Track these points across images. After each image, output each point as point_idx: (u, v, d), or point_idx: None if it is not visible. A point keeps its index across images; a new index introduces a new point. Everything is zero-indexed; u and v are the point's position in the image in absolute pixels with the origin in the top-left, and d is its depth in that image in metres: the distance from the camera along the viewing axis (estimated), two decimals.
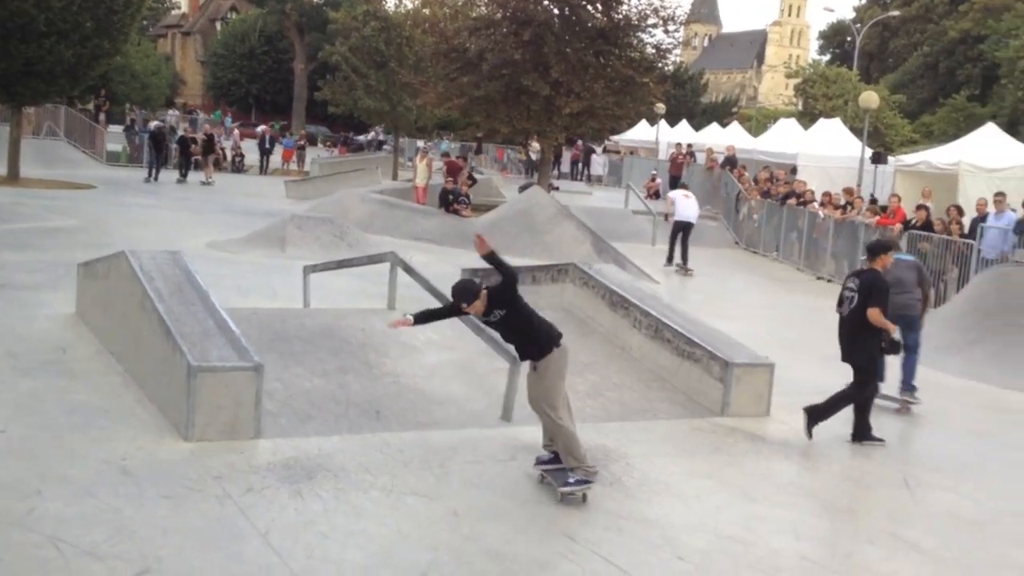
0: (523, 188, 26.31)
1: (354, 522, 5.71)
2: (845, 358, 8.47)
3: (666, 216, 20.35)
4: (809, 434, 8.19)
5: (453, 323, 9.10)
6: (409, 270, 10.02)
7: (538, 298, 11.56)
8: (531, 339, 6.58)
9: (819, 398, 9.71)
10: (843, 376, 10.72)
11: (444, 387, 8.48)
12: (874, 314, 8.14)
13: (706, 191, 27.52)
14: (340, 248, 16.08)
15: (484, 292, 6.38)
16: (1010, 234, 15.15)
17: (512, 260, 15.88)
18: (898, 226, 17.20)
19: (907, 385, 9.80)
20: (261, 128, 40.68)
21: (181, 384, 6.87)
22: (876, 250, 8.77)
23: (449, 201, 21.52)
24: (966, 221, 16.73)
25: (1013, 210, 16.47)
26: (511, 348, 8.08)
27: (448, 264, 15.86)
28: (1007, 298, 12.22)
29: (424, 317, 6.84)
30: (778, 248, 21.44)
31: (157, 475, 6.11)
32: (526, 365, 6.81)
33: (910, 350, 9.69)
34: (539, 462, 6.78)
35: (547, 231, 19.45)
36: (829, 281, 18.73)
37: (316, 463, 6.54)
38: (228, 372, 6.93)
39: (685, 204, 19.31)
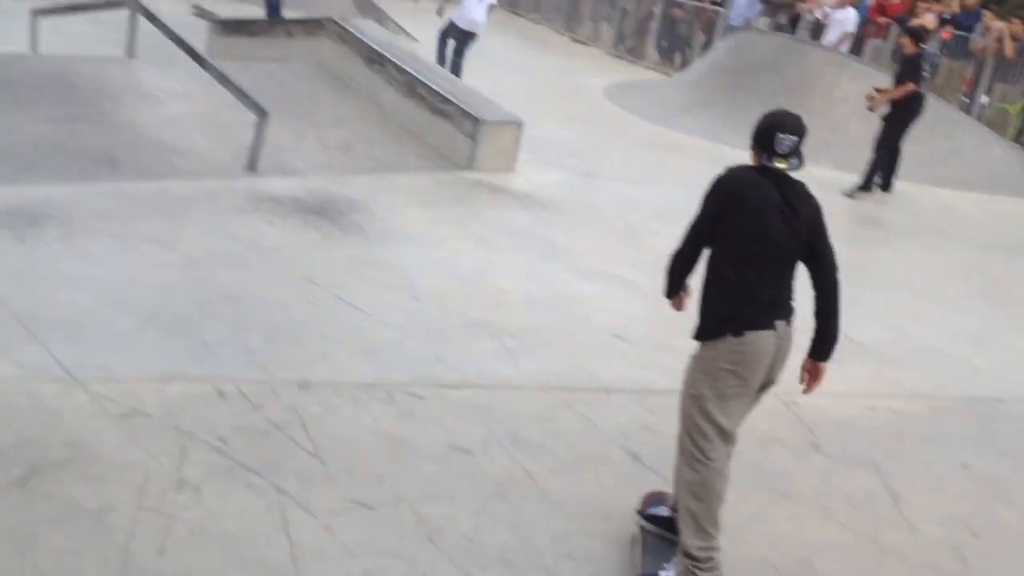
0: None
1: (83, 267, 5.59)
2: None
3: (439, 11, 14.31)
4: None
5: (197, 73, 8.75)
6: (151, 17, 9.41)
7: (292, 52, 11.25)
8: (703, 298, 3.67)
9: (563, 155, 10.16)
10: (586, 135, 11.23)
11: (186, 138, 8.22)
12: None
13: None
14: None
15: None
16: (756, 2, 15.79)
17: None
18: None
19: None
20: None
21: None
22: None
23: None
24: None
25: None
26: (259, 100, 7.91)
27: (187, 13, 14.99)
28: (742, 63, 12.93)
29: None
30: (538, 10, 21.49)
31: None
32: (274, 117, 6.63)
33: None
34: (644, 508, 4.01)
35: None
36: (586, 44, 19.11)
37: (42, 211, 6.27)
38: None
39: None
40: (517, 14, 22.27)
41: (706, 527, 3.49)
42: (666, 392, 5.22)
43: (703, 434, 3.52)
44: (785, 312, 3.57)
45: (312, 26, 11.32)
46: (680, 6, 16.47)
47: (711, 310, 3.59)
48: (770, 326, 3.49)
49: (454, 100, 9.29)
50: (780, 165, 3.53)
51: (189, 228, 6.48)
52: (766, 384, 3.62)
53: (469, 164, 8.97)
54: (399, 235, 7.07)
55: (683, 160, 10.84)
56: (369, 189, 7.94)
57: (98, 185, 6.94)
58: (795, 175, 3.58)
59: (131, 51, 10.00)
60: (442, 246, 6.99)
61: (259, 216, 6.91)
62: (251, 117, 7.94)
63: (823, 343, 3.64)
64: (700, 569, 3.46)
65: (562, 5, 20.40)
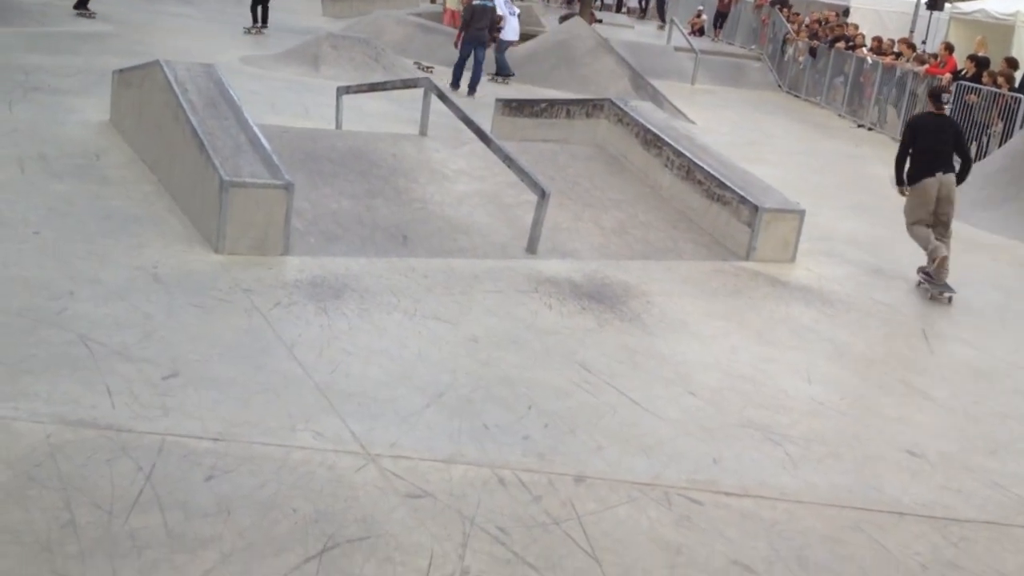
0: (563, 19, 25.62)
1: (377, 341, 5.86)
2: None
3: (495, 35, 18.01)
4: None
5: (484, 153, 9.09)
6: (443, 97, 9.91)
7: (571, 132, 11.49)
8: None
9: (848, 246, 9.72)
10: (873, 225, 10.70)
11: (471, 216, 8.51)
12: None
13: (752, 29, 26.73)
14: (375, 70, 15.89)
15: None
16: None
17: (547, 93, 15.75)
18: (947, 76, 16.69)
19: None
20: None
21: (213, 198, 6.95)
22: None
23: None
24: (1019, 75, 16.19)
25: None
26: (540, 180, 8.09)
27: (481, 93, 15.70)
28: None
29: None
30: (822, 93, 20.94)
31: (187, 283, 6.25)
32: (552, 198, 6.76)
33: None
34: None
35: (585, 64, 19.07)
36: (870, 129, 18.40)
37: (342, 283, 6.66)
38: (260, 189, 6.98)
39: (512, 21, 18.55)
40: (797, 97, 21.84)
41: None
42: (970, 522, 4.81)
43: None
44: None
45: (591, 107, 11.52)
46: (976, 92, 15.54)
47: None
48: None
49: (732, 185, 9.12)
50: None
51: (472, 307, 6.66)
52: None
53: (747, 253, 8.75)
54: (675, 325, 6.95)
55: (988, 261, 10.10)
56: (644, 275, 7.89)
57: (392, 260, 7.29)
58: None
59: (424, 129, 10.54)
60: (719, 339, 6.81)
61: (538, 298, 7.01)
62: (532, 197, 8.13)
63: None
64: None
65: (845, 88, 19.82)
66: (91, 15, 18.81)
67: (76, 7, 18.92)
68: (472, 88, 16.74)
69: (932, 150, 8.68)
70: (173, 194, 7.83)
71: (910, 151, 8.86)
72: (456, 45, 17.09)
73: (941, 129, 8.84)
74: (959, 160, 8.88)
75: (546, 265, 7.71)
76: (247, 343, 5.57)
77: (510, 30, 18.43)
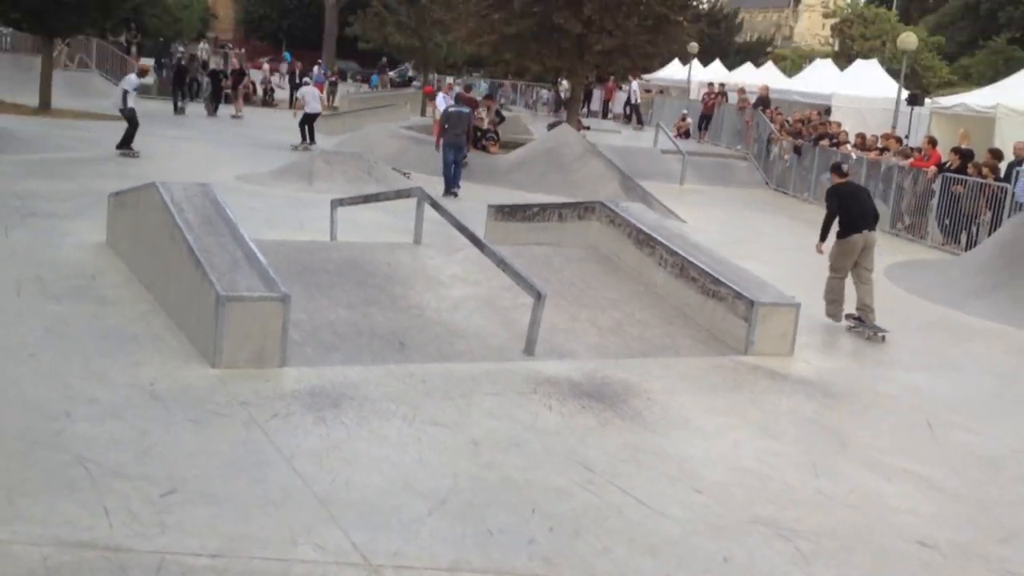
0: (552, 126, 26.13)
1: (376, 449, 5.80)
2: None
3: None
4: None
5: (478, 258, 9.16)
6: (436, 205, 10.04)
7: (564, 235, 11.60)
8: None
9: (845, 338, 9.72)
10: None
11: (468, 320, 8.53)
12: None
13: (737, 130, 27.26)
14: (367, 183, 16.11)
15: None
16: None
17: (539, 198, 15.95)
18: (932, 168, 16.96)
19: None
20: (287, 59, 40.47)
21: (210, 313, 6.96)
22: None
23: (477, 137, 21.42)
24: (1003, 165, 16.47)
25: None
26: (535, 282, 8.14)
27: (474, 200, 15.88)
28: None
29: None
30: (809, 190, 21.24)
31: (185, 399, 6.22)
32: (548, 299, 6.78)
33: None
34: None
35: (575, 169, 19.37)
36: None
37: (340, 392, 6.63)
38: (256, 302, 7.00)
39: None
40: (784, 193, 22.13)
41: None
42: None
43: None
44: None
45: (583, 210, 11.65)
46: (962, 183, 15.78)
47: None
48: None
49: (727, 281, 9.17)
50: None
51: (472, 411, 6.61)
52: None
53: (745, 348, 8.75)
54: (677, 422, 6.90)
55: (984, 347, 10.12)
56: (643, 373, 7.87)
57: (389, 366, 7.27)
58: None
59: (418, 237, 10.64)
60: (722, 435, 6.75)
61: (537, 399, 6.97)
62: (528, 299, 8.16)
63: None
64: None
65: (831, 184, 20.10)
66: (135, 154, 17.95)
67: (120, 147, 18.09)
68: (452, 187, 17.61)
69: (860, 212, 10.23)
70: (170, 312, 7.86)
71: (838, 215, 10.29)
72: (437, 148, 18.12)
73: (859, 193, 10.70)
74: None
75: (544, 366, 7.70)
76: (245, 456, 5.51)
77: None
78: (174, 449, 5.49)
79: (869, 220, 10.27)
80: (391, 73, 49.23)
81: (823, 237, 10.51)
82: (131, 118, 18.18)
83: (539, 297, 7.99)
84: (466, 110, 18.35)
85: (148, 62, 36.93)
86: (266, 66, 41.35)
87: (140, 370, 6.65)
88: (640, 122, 35.24)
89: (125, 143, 18.17)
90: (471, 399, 6.82)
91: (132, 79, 19.08)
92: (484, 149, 21.47)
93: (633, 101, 36.69)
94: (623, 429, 6.62)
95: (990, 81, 32.74)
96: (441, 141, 17.85)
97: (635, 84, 36.07)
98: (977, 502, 6.07)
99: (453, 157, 17.62)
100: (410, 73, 49.02)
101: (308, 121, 22.53)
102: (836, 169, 11.02)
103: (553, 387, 7.24)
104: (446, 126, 17.74)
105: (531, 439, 6.25)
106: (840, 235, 10.25)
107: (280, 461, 5.50)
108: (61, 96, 26.54)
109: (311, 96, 23.19)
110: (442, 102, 20.62)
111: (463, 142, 17.87)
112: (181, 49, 40.61)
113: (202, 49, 48.53)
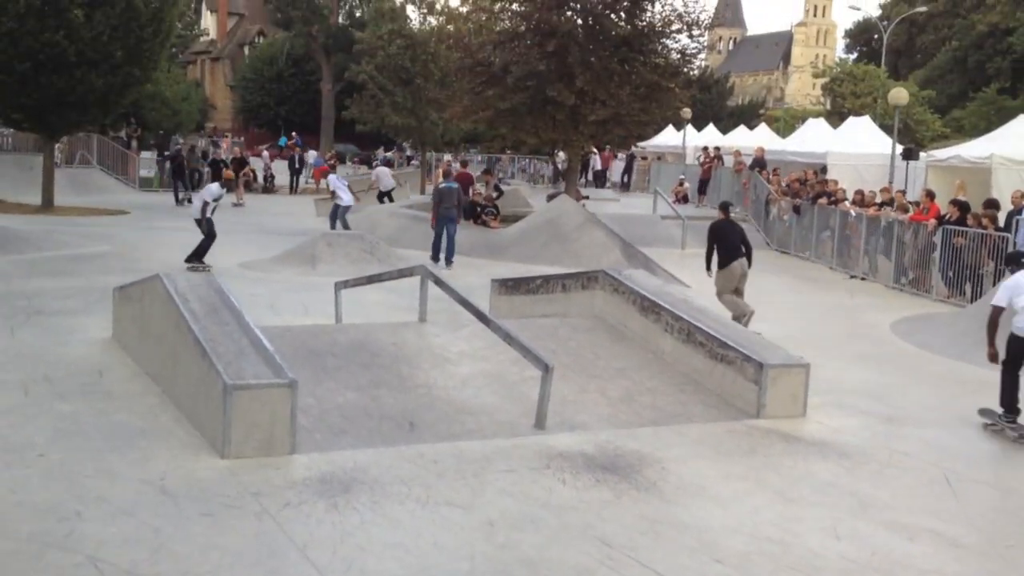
0: (551, 197, 26.32)
1: (391, 534, 5.73)
2: None
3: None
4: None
5: (484, 333, 9.15)
6: (440, 283, 10.06)
7: (569, 306, 11.61)
8: None
9: (857, 397, 9.65)
10: (879, 374, 10.65)
11: (476, 397, 8.49)
12: None
13: (735, 192, 27.43)
14: (370, 263, 16.18)
15: None
16: None
17: (542, 269, 16.02)
18: (932, 222, 17.01)
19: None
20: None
21: (217, 402, 6.94)
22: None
23: (476, 213, 21.57)
24: (1001, 215, 16.53)
25: None
26: (542, 355, 8.12)
27: (477, 275, 15.93)
28: None
29: None
30: (810, 248, 21.30)
31: (195, 493, 6.16)
32: (557, 371, 6.73)
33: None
34: None
35: (576, 239, 19.45)
36: (863, 279, 18.60)
37: (351, 476, 6.57)
38: (263, 389, 6.98)
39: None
40: (786, 253, 22.18)
41: None
42: None
43: None
44: None
45: (586, 279, 11.67)
46: (962, 235, 15.82)
47: None
48: None
49: (735, 344, 9.14)
50: None
51: (485, 489, 6.54)
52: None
53: (757, 411, 8.68)
54: (693, 490, 6.82)
55: (996, 399, 10.00)
56: (656, 442, 7.80)
57: (400, 448, 7.22)
58: None
59: (423, 315, 10.65)
60: (740, 502, 6.66)
61: (551, 474, 6.90)
62: (536, 372, 8.12)
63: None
64: None
65: (833, 242, 20.17)
66: (205, 268, 15.62)
67: (189, 260, 16.16)
68: (448, 259, 18.30)
69: (734, 245, 12.89)
70: (178, 404, 7.83)
71: (716, 247, 12.93)
72: (432, 225, 18.80)
73: (734, 230, 13.24)
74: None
75: (556, 440, 7.64)
76: (258, 548, 5.44)
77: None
78: (186, 545, 5.42)
79: (740, 252, 12.81)
80: (387, 154, 49.95)
81: (708, 266, 13.07)
82: (208, 231, 16.47)
83: (547, 369, 7.96)
84: (455, 186, 19.23)
85: (150, 155, 37.43)
86: (266, 153, 41.87)
87: (150, 465, 6.60)
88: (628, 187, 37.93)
89: (197, 256, 16.31)
90: (484, 477, 6.75)
91: (214, 189, 17.35)
92: (485, 224, 21.61)
93: (594, 167, 39.48)
94: (639, 500, 6.54)
95: (983, 132, 33.06)
96: (435, 216, 18.63)
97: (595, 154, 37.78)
98: (1002, 558, 5.96)
99: (451, 231, 18.40)
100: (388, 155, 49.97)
101: (383, 197, 26.49)
102: (723, 208, 13.75)
103: (566, 461, 7.18)
104: (439, 201, 18.61)
105: (547, 516, 6.17)
106: (721, 265, 12.82)
107: (293, 551, 5.43)
108: (64, 193, 26.88)
109: (384, 175, 27.48)
110: (334, 181, 22.64)
111: (455, 215, 18.73)
112: (181, 141, 41.13)
113: (202, 140, 49.22)
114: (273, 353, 7.44)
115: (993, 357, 8.87)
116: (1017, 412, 8.71)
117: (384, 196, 26.90)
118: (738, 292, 12.74)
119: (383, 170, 28.79)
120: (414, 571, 5.27)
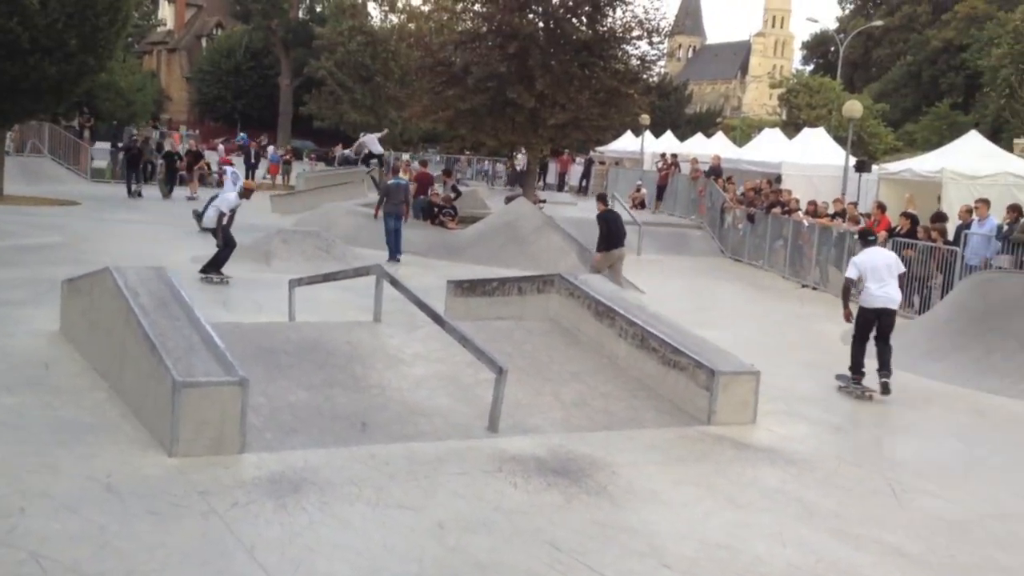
0: (509, 199, 26.35)
1: (340, 535, 5.69)
2: None
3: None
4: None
5: (439, 335, 9.13)
6: (395, 283, 10.00)
7: (524, 308, 11.62)
8: None
9: (806, 405, 9.77)
10: (828, 383, 10.80)
11: (430, 399, 8.46)
12: None
13: (691, 200, 27.65)
14: (326, 261, 16.09)
15: None
16: (993, 240, 15.22)
17: (498, 272, 16.03)
18: (883, 233, 17.26)
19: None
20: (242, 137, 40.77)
21: (166, 399, 6.85)
22: None
23: (434, 213, 21.54)
24: (950, 228, 16.83)
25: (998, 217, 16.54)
26: (497, 358, 8.11)
27: (434, 276, 15.90)
28: (990, 304, 12.29)
29: None
30: (764, 257, 21.52)
31: (142, 491, 6.07)
32: (511, 374, 6.75)
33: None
34: None
35: (532, 242, 19.51)
36: (814, 289, 18.84)
37: (302, 476, 6.52)
38: (213, 387, 6.90)
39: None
40: (739, 261, 22.40)
41: None
42: None
43: None
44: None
45: (542, 283, 11.69)
46: (912, 247, 16.09)
47: None
48: None
49: (687, 351, 9.20)
50: None
51: (437, 492, 6.52)
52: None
53: (708, 417, 8.75)
54: (644, 496, 6.85)
55: (944, 410, 10.21)
56: (608, 446, 7.83)
57: (352, 449, 7.17)
58: None
59: (378, 315, 10.59)
60: (689, 508, 6.71)
61: (503, 477, 6.90)
62: (490, 375, 8.12)
63: None
64: None
65: (786, 251, 20.42)
66: (224, 280, 14.77)
67: (204, 271, 14.87)
68: (396, 255, 18.61)
69: (619, 232, 15.82)
70: (126, 400, 7.72)
71: (608, 232, 15.66)
72: (376, 216, 19.38)
73: (618, 218, 16.12)
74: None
75: (509, 443, 7.64)
76: (205, 548, 5.38)
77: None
78: (131, 543, 5.34)
79: (623, 239, 15.91)
80: (345, 151, 49.66)
81: (599, 249, 15.81)
82: (227, 240, 15.03)
83: (501, 372, 7.96)
84: (404, 181, 20.05)
85: (103, 145, 36.85)
86: (221, 147, 41.46)
87: (96, 461, 6.50)
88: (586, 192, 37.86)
89: (215, 266, 14.93)
90: (436, 479, 6.73)
91: (231, 199, 15.49)
92: (442, 225, 21.57)
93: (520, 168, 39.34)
94: (590, 505, 6.56)
95: (935, 146, 33.69)
96: (381, 211, 19.01)
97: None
98: (945, 568, 6.06)
99: (394, 225, 18.76)
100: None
101: (371, 159, 30.00)
102: (601, 199, 16.70)
103: (518, 464, 7.18)
104: (386, 197, 19.00)
105: (498, 519, 6.17)
106: (603, 248, 15.56)
107: (241, 552, 5.37)
108: (14, 182, 26.41)
109: (371, 140, 30.62)
110: (230, 172, 24.24)
111: (402, 211, 19.17)
112: (135, 132, 40.64)
113: (157, 132, 48.60)
114: (224, 350, 7.36)
115: (848, 317, 10.92)
116: (862, 374, 10.51)
117: (373, 158, 29.70)
118: (612, 268, 15.33)
119: (370, 137, 31.34)
120: (363, 573, 5.23)
